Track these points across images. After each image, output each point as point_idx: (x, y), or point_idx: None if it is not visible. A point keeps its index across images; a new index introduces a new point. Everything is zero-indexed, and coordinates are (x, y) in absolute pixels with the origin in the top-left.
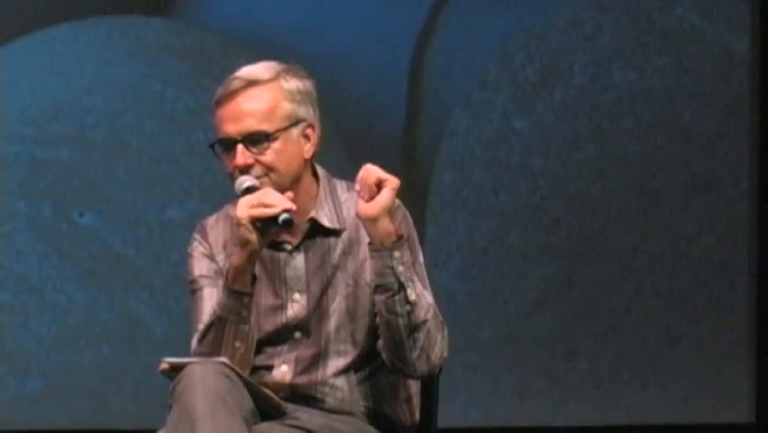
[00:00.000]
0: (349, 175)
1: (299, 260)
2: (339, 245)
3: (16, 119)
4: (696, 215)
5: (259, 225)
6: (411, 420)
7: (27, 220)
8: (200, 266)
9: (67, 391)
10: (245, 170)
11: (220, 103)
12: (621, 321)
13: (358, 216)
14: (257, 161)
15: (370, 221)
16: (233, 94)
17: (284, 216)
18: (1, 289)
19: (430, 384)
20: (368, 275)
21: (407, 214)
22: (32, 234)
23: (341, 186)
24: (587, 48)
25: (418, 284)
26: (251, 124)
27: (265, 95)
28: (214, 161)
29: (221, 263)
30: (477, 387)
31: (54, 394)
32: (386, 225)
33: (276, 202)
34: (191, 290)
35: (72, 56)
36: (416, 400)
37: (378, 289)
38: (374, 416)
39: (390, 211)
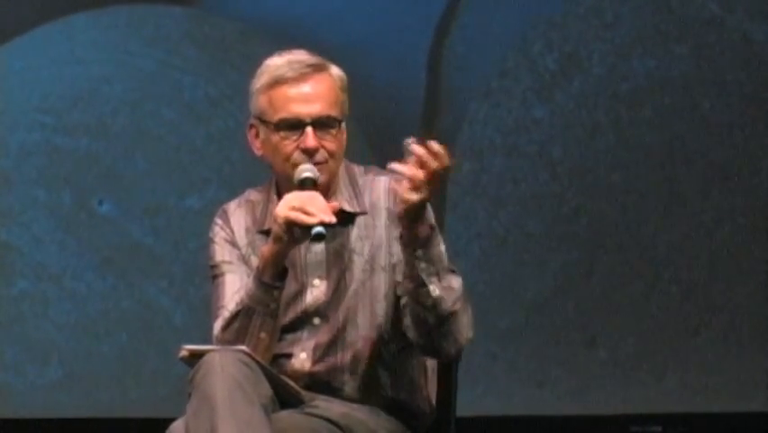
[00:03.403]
0: (367, 163)
1: (320, 245)
2: (354, 230)
3: (36, 108)
4: (715, 204)
5: (293, 228)
6: (429, 408)
7: (46, 208)
8: (222, 251)
9: (86, 379)
10: (312, 152)
11: (286, 83)
12: (640, 310)
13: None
14: (321, 145)
15: (400, 216)
16: (303, 76)
17: (318, 229)
18: (20, 277)
19: (449, 373)
20: (383, 259)
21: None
22: (51, 223)
23: (358, 170)
24: (606, 36)
25: (447, 276)
26: (323, 108)
27: (330, 82)
28: (233, 149)
29: (243, 249)
30: (496, 376)
31: (73, 382)
32: (414, 225)
33: (316, 212)
34: (213, 275)
35: (91, 44)
36: (433, 387)
37: (405, 277)
38: (392, 404)
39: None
